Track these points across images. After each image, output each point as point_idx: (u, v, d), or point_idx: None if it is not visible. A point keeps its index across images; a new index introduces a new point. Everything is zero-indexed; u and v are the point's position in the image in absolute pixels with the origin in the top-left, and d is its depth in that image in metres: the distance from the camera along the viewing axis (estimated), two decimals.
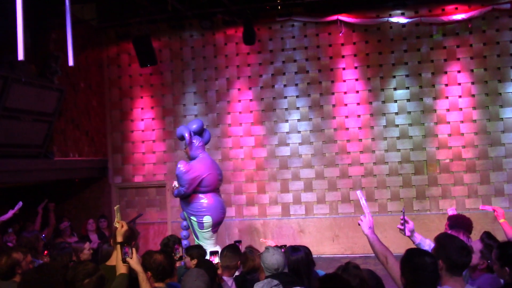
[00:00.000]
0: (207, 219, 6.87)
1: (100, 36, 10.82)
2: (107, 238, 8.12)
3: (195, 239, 7.18)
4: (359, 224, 3.50)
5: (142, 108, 10.83)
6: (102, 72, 10.90)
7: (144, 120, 10.79)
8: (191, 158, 7.33)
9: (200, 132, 7.50)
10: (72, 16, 6.62)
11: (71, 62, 7.05)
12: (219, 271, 4.25)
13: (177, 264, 4.67)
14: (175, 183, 7.19)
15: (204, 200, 7.01)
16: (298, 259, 3.90)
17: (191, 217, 7.02)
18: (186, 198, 7.06)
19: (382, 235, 9.52)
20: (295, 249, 4.02)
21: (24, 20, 5.71)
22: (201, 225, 6.96)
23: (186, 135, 7.14)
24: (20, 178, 8.12)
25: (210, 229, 7.00)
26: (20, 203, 6.57)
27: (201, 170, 7.07)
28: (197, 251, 4.87)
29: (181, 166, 6.96)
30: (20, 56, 5.93)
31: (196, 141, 7.30)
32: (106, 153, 10.81)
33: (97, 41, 10.71)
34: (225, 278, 4.25)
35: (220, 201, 7.30)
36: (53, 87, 8.32)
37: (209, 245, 6.80)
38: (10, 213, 6.37)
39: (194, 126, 7.43)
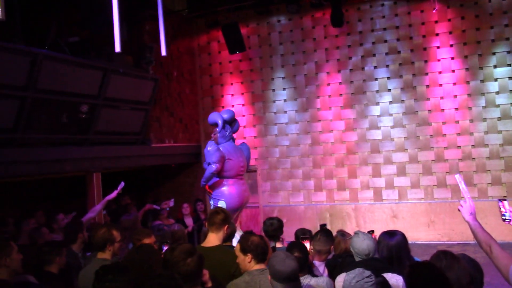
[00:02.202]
0: (221, 204, 6.96)
1: (190, 25, 11.12)
2: (202, 221, 8.41)
3: None
4: (459, 210, 3.28)
5: (232, 95, 11.03)
6: (193, 60, 11.22)
7: (234, 106, 10.98)
8: (218, 144, 7.47)
9: (230, 122, 7.61)
10: (163, 7, 6.86)
11: (164, 52, 7.34)
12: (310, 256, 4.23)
13: None
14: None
15: (224, 185, 7.15)
16: (398, 243, 3.74)
17: (210, 200, 7.20)
18: (211, 178, 7.20)
19: (482, 222, 8.94)
20: (391, 233, 3.83)
21: (120, 14, 6.01)
22: None
23: (219, 121, 7.30)
24: (120, 164, 8.57)
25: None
26: (122, 183, 7.02)
27: (225, 152, 7.26)
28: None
29: (211, 146, 7.18)
30: (117, 48, 6.24)
31: (226, 130, 7.45)
32: (199, 139, 11.15)
33: (187, 31, 11.02)
34: (316, 262, 4.23)
35: (240, 189, 7.35)
36: (148, 77, 8.68)
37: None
38: (115, 193, 6.83)
39: (226, 116, 7.57)
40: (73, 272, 4.74)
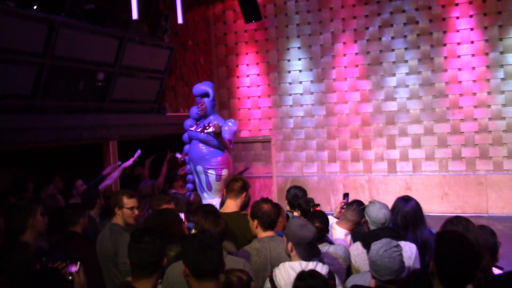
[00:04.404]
0: (225, 172, 7.08)
1: None
2: None
3: (206, 191, 7.25)
4: None
5: (247, 65, 10.98)
6: (208, 29, 11.15)
7: (249, 76, 10.95)
8: (205, 116, 7.24)
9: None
10: None
11: (180, 20, 7.31)
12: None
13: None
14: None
15: (222, 155, 7.21)
16: (414, 208, 3.77)
17: (209, 171, 7.15)
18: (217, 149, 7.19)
19: (497, 195, 9.05)
20: (406, 199, 3.86)
21: None
22: (218, 177, 7.15)
23: (211, 90, 7.14)
24: (136, 132, 8.63)
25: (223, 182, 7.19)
26: (139, 151, 7.10)
27: None
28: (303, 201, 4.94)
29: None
30: (134, 15, 6.25)
31: (215, 100, 7.33)
32: None
33: None
34: (344, 231, 4.21)
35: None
36: (163, 45, 8.66)
37: (216, 198, 7.09)
38: (131, 161, 6.94)
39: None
40: (91, 235, 4.88)
